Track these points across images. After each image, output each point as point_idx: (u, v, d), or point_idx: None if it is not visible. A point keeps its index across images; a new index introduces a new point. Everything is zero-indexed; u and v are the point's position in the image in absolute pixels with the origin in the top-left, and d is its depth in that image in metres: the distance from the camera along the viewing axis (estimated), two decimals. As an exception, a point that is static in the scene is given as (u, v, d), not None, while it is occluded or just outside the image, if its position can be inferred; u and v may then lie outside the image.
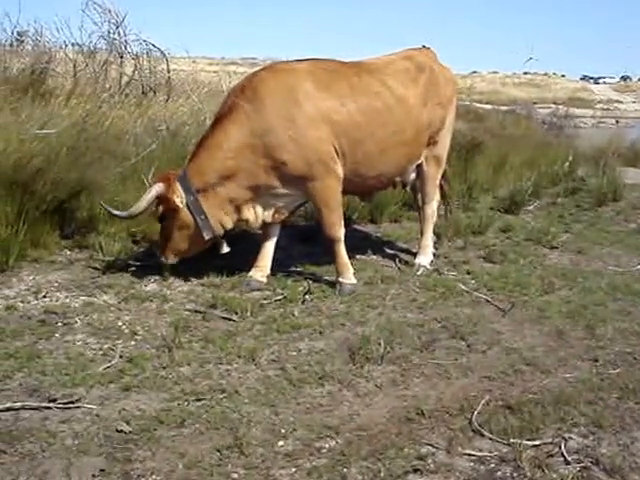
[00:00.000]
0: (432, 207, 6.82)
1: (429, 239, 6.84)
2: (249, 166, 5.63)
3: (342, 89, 5.87)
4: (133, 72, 10.14)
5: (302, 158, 5.63)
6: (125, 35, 10.28)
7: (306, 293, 5.69)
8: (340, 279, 5.93)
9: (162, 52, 10.43)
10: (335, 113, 5.76)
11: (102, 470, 3.36)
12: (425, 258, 6.74)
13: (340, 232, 5.94)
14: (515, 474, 3.48)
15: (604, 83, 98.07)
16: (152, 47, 10.40)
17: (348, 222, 7.79)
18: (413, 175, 6.67)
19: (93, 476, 3.31)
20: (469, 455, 3.64)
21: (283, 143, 5.59)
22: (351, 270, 6.00)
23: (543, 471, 3.48)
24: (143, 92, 9.86)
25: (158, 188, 5.62)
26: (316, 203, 5.90)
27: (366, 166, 6.05)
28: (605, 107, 64.07)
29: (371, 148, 5.98)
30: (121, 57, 10.19)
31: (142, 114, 8.32)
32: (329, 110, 5.74)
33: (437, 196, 6.88)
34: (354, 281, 5.97)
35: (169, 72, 10.32)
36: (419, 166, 6.61)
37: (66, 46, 10.39)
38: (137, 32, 10.51)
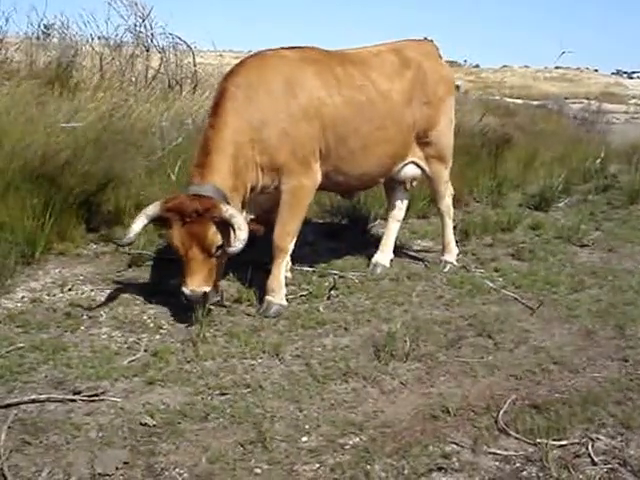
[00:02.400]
0: (446, 202, 6.60)
1: (450, 234, 6.70)
2: (250, 164, 5.12)
3: (329, 80, 5.48)
4: (159, 65, 10.17)
5: (290, 153, 5.22)
6: (151, 28, 10.33)
7: (331, 289, 5.64)
8: (269, 297, 5.30)
9: (188, 45, 10.46)
10: (324, 106, 5.39)
11: (126, 463, 3.36)
12: (450, 255, 6.63)
13: (291, 245, 5.47)
14: (541, 474, 3.44)
15: (638, 78, 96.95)
16: (178, 40, 10.42)
17: (376, 217, 7.79)
18: (406, 174, 6.34)
19: (117, 468, 3.31)
20: (494, 454, 3.60)
21: (277, 137, 5.16)
22: (284, 290, 5.43)
23: (569, 472, 3.45)
24: (169, 85, 9.89)
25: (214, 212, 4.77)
26: (283, 203, 5.32)
27: (349, 164, 5.67)
28: (639, 102, 63.32)
29: (355, 145, 5.61)
30: (147, 50, 10.22)
31: (168, 108, 8.33)
32: (320, 102, 5.38)
33: (450, 190, 6.61)
34: (284, 302, 5.36)
35: (195, 65, 10.32)
36: (419, 167, 6.28)
37: (92, 39, 10.44)
38: (163, 25, 10.55)
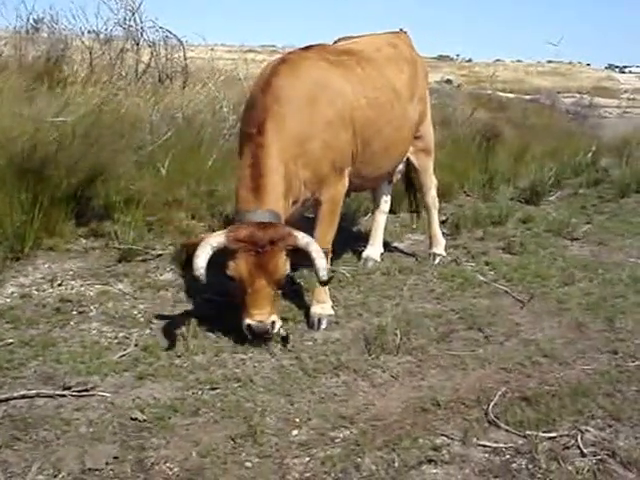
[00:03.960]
0: (432, 194, 6.58)
1: (437, 227, 6.70)
2: (294, 181, 4.81)
3: (355, 83, 5.28)
4: (149, 59, 10.13)
5: (331, 164, 5.01)
6: (141, 22, 10.27)
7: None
8: (319, 310, 5.11)
9: (179, 39, 10.42)
10: (355, 110, 5.18)
11: (116, 457, 3.35)
12: (439, 246, 6.64)
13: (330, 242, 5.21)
14: (530, 466, 3.45)
15: (630, 72, 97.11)
16: (169, 34, 10.38)
17: (366, 212, 7.79)
18: (398, 169, 6.37)
19: (107, 463, 3.30)
20: (484, 446, 3.61)
21: (320, 149, 4.91)
22: (330, 300, 5.25)
23: (559, 463, 3.45)
24: (159, 80, 9.85)
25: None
26: (323, 214, 5.12)
27: (369, 166, 5.50)
28: (631, 97, 63.47)
29: (377, 147, 5.47)
30: (137, 44, 10.17)
31: (158, 102, 8.30)
32: (352, 107, 5.16)
33: (435, 182, 6.58)
34: (332, 312, 5.18)
35: (186, 59, 10.29)
36: (409, 160, 6.29)
37: (82, 34, 10.39)
38: (154, 19, 10.49)
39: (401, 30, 6.52)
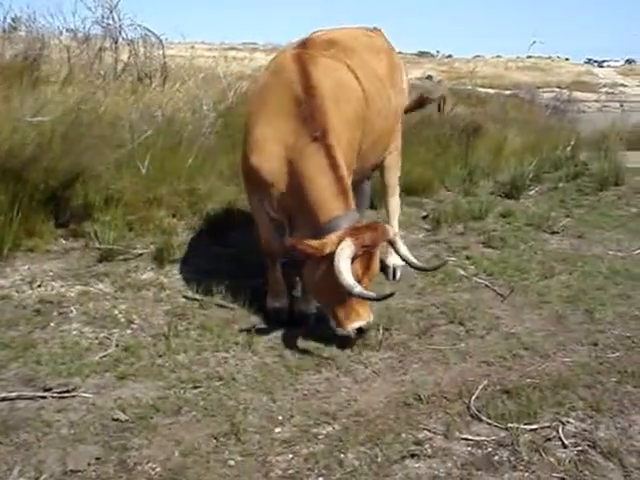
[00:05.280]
0: (397, 199, 6.37)
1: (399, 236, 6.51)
2: None
3: (355, 77, 5.16)
4: (128, 58, 10.07)
5: (352, 161, 4.92)
6: (120, 20, 10.19)
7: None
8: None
9: (157, 37, 10.35)
10: (361, 105, 5.09)
11: (98, 458, 3.35)
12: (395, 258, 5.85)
13: None
14: (512, 458, 3.48)
15: (608, 67, 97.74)
16: (147, 32, 10.32)
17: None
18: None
19: (89, 464, 3.30)
20: (466, 440, 3.63)
21: (348, 146, 4.84)
22: None
23: (540, 455, 3.50)
24: (139, 78, 9.79)
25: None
26: None
27: (361, 161, 5.23)
28: (609, 91, 63.82)
29: (370, 140, 5.29)
30: (116, 43, 10.11)
31: (137, 100, 8.25)
32: (360, 103, 5.07)
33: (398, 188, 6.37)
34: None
35: (165, 58, 10.24)
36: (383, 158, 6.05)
37: (60, 33, 10.32)
38: (132, 17, 10.43)
39: (375, 28, 6.40)
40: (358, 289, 4.28)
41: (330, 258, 4.31)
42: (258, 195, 4.93)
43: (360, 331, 4.55)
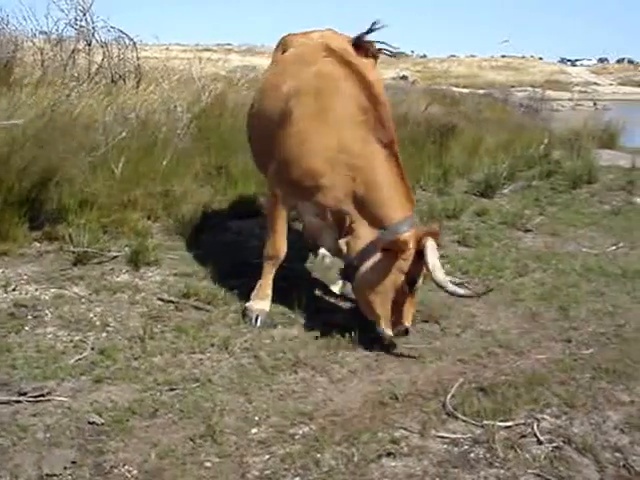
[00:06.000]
0: None
1: None
2: None
3: None
4: (102, 60, 10.02)
5: None
6: (93, 22, 10.15)
7: (280, 280, 5.57)
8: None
9: (131, 39, 10.32)
10: None
11: (74, 462, 3.33)
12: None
13: None
14: (488, 455, 3.51)
15: (582, 65, 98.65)
16: (121, 34, 10.28)
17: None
18: None
19: (65, 468, 3.27)
20: (442, 437, 3.66)
21: None
22: None
23: (516, 452, 3.53)
24: (112, 80, 9.75)
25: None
26: None
27: None
28: (583, 89, 64.37)
29: None
30: (89, 45, 10.06)
31: (111, 102, 8.22)
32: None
33: None
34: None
35: (138, 59, 10.21)
36: None
37: (34, 35, 10.25)
38: (105, 19, 10.38)
39: (329, 29, 6.31)
40: (452, 286, 4.52)
41: (393, 257, 4.51)
42: (294, 200, 5.01)
43: (407, 332, 4.65)
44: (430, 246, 4.48)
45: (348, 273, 4.86)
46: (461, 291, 4.67)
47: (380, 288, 4.60)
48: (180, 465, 3.34)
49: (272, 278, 5.18)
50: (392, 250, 4.51)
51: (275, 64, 5.77)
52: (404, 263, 4.53)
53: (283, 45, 5.99)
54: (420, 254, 4.50)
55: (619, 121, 15.17)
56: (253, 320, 4.97)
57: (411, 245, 4.50)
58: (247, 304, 5.09)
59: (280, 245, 5.10)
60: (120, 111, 8.06)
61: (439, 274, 4.47)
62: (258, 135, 5.58)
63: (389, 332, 4.64)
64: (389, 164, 4.72)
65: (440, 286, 4.51)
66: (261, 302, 5.09)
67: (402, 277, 4.55)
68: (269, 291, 5.16)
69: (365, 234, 4.70)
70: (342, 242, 4.82)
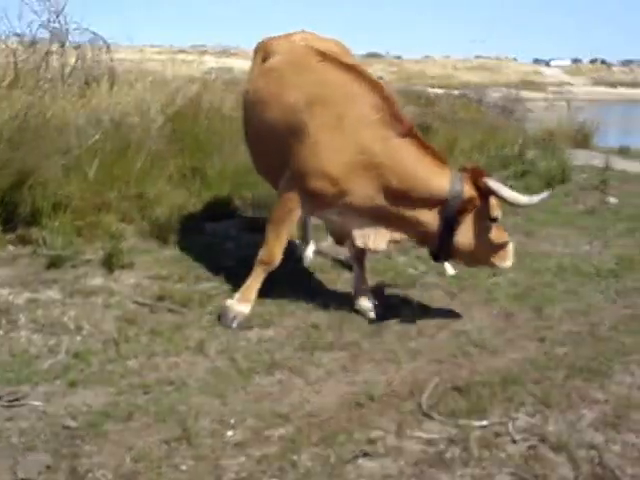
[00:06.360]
0: None
1: None
2: None
3: None
4: (75, 62, 9.94)
5: None
6: (66, 24, 10.06)
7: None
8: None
9: (104, 41, 10.24)
10: None
11: (48, 467, 3.31)
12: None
13: None
14: (464, 455, 3.53)
15: (556, 66, 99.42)
16: (94, 36, 10.20)
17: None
18: None
19: (39, 473, 3.27)
20: (418, 438, 3.67)
21: None
22: None
23: (491, 451, 3.56)
24: (86, 82, 9.66)
25: None
26: None
27: None
28: (557, 90, 64.86)
29: None
30: (63, 46, 9.97)
31: (85, 104, 8.16)
32: None
33: None
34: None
35: (112, 61, 10.14)
36: None
37: (7, 37, 10.14)
38: (78, 21, 10.30)
39: (303, 30, 6.26)
40: (525, 197, 5.03)
41: (471, 215, 4.89)
42: (319, 209, 5.08)
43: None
44: (493, 183, 4.86)
45: (440, 255, 5.13)
46: (543, 195, 5.15)
47: (480, 242, 4.94)
48: (155, 468, 3.33)
49: (261, 283, 5.16)
50: (467, 210, 4.85)
51: (266, 71, 5.65)
52: (480, 212, 4.89)
53: (264, 50, 5.97)
54: (484, 194, 4.85)
55: (593, 121, 15.30)
56: (229, 320, 4.96)
57: (476, 195, 4.85)
58: (227, 303, 5.07)
59: (278, 253, 5.09)
60: (94, 113, 8.00)
61: (520, 199, 4.95)
62: (263, 148, 5.54)
63: (508, 262, 5.11)
64: (412, 149, 4.87)
65: (521, 206, 5.09)
66: (243, 305, 5.06)
67: (487, 221, 4.92)
68: (254, 295, 5.13)
69: (429, 217, 4.88)
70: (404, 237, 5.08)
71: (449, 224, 4.85)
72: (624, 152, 14.01)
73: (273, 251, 5.08)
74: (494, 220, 4.96)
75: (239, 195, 7.68)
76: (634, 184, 10.74)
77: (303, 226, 6.49)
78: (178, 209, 6.91)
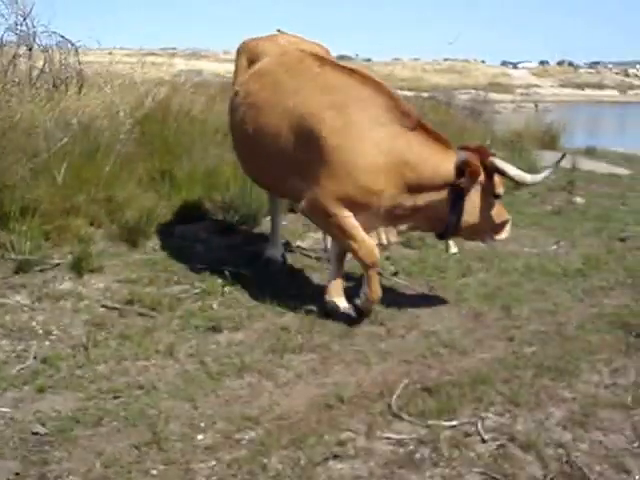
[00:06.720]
0: None
1: None
2: None
3: None
4: (43, 65, 9.86)
5: None
6: (34, 27, 9.97)
7: (225, 285, 5.63)
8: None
9: (72, 44, 10.14)
10: None
11: (17, 474, 3.29)
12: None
13: None
14: (434, 455, 3.56)
15: (523, 68, 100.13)
16: (62, 39, 10.12)
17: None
18: None
19: (8, 480, 3.24)
20: (388, 439, 3.70)
21: None
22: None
23: (460, 451, 3.59)
24: (54, 85, 9.58)
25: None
26: None
27: None
28: (524, 92, 65.33)
29: None
30: (30, 50, 9.89)
31: (53, 108, 8.09)
32: None
33: None
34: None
35: (80, 64, 10.06)
36: None
37: (-25, 41, 10.03)
38: (46, 24, 10.21)
39: (279, 30, 6.43)
40: (530, 176, 5.25)
41: (481, 189, 5.10)
42: (353, 209, 5.03)
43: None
44: (499, 162, 5.12)
45: (445, 234, 5.39)
46: (546, 172, 5.40)
47: (484, 217, 5.19)
48: (125, 473, 3.33)
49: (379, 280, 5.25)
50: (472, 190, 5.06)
51: (259, 75, 5.66)
52: (485, 190, 5.11)
53: (249, 52, 5.98)
54: (489, 172, 5.06)
55: (560, 122, 15.43)
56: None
57: (480, 168, 5.01)
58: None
59: (374, 248, 5.11)
60: (62, 117, 7.94)
61: (526, 177, 5.18)
62: (257, 152, 5.52)
63: (505, 234, 5.43)
64: (423, 140, 5.04)
65: (527, 184, 5.42)
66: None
67: (491, 197, 5.16)
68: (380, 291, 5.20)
69: (438, 201, 5.06)
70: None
71: (457, 204, 5.05)
72: (591, 153, 14.17)
73: (372, 250, 5.08)
74: (498, 197, 5.21)
75: (209, 198, 7.65)
76: (601, 184, 10.90)
77: (272, 228, 6.50)
78: (147, 212, 6.87)
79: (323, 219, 5.18)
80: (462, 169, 4.97)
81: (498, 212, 5.28)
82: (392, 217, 5.11)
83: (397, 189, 4.99)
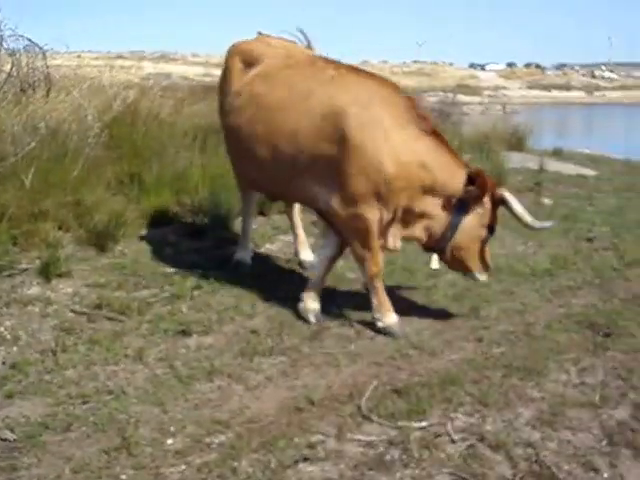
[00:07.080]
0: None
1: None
2: None
3: None
4: (11, 69, 9.77)
5: None
6: (1, 30, 9.88)
7: (194, 289, 5.61)
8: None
9: (40, 47, 10.08)
10: None
11: (-15, 481, 3.27)
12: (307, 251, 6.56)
13: None
14: (404, 456, 3.58)
15: (491, 70, 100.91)
16: (29, 42, 10.04)
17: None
18: None
19: (-25, 488, 3.22)
20: (358, 441, 3.71)
21: None
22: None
23: (430, 451, 3.61)
24: (22, 89, 9.51)
25: None
26: None
27: None
28: (492, 94, 65.88)
29: None
30: (-4, 53, 9.80)
31: (21, 112, 8.02)
32: None
33: None
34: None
35: (48, 67, 9.99)
36: None
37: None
38: (13, 28, 10.13)
39: (260, 33, 6.37)
40: (538, 223, 5.31)
41: (478, 217, 5.11)
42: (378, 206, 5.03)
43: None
44: (509, 196, 5.17)
45: (438, 246, 5.23)
46: (547, 224, 5.59)
47: (474, 245, 5.20)
48: (95, 479, 3.32)
49: (384, 291, 5.23)
50: (475, 210, 5.07)
51: (263, 77, 5.61)
52: (485, 217, 5.13)
53: (242, 54, 5.92)
54: (494, 205, 5.12)
55: (527, 124, 15.55)
56: (400, 333, 5.05)
57: (490, 183, 5.08)
58: (380, 324, 5.12)
59: (380, 260, 5.16)
60: (30, 121, 7.87)
61: (528, 218, 5.18)
62: (267, 156, 5.41)
63: (484, 276, 5.34)
64: (438, 146, 5.08)
65: (529, 227, 5.28)
66: (389, 316, 5.13)
67: (486, 229, 5.18)
68: (389, 304, 5.17)
69: (441, 214, 5.07)
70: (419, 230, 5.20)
71: (457, 218, 5.06)
72: (558, 154, 14.28)
73: (376, 259, 5.12)
74: (492, 231, 5.23)
75: (178, 201, 7.62)
76: (567, 185, 10.99)
77: (242, 231, 6.48)
78: (116, 216, 6.83)
79: (350, 220, 5.10)
80: (473, 179, 4.98)
81: (486, 250, 5.29)
82: (402, 220, 5.12)
83: (414, 190, 5.01)
